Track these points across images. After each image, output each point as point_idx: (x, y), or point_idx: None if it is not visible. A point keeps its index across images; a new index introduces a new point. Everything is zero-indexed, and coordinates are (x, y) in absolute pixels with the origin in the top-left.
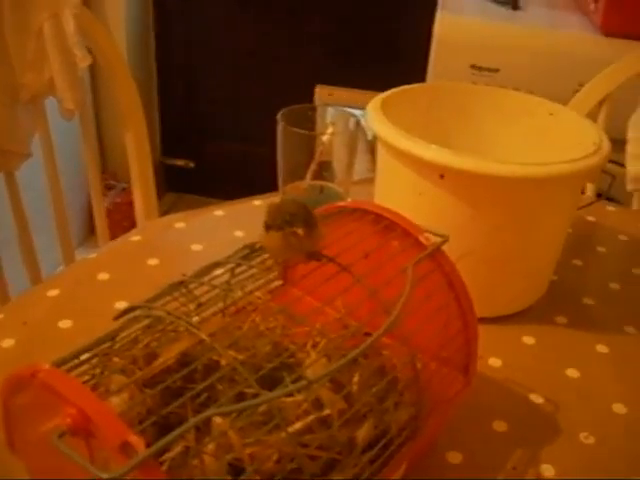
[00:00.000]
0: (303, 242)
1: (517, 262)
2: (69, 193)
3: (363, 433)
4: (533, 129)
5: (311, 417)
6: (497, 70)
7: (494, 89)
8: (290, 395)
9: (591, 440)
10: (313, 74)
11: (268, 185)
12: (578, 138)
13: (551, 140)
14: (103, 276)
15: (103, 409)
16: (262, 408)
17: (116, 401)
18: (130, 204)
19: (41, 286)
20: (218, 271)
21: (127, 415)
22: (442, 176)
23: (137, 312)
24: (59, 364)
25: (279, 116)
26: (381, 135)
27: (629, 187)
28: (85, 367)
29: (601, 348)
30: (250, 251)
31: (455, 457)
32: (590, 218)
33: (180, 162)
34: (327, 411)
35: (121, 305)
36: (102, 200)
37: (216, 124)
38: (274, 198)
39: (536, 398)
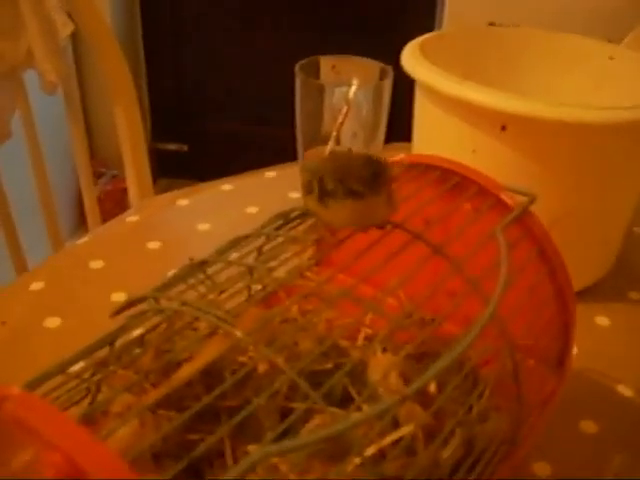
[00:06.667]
0: (381, 211)
1: (591, 227)
2: (55, 180)
3: (450, 452)
4: (590, 75)
5: (393, 436)
6: (517, 27)
7: (542, 32)
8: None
9: None
10: (312, 47)
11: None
12: None
13: (611, 86)
14: (96, 264)
15: (99, 451)
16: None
17: (121, 431)
18: (122, 191)
19: (22, 279)
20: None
21: (136, 448)
22: (504, 128)
23: (143, 305)
24: (34, 385)
25: (297, 68)
26: (425, 80)
27: None
28: (75, 382)
29: None
30: (284, 221)
31: (543, 469)
32: None
33: (172, 146)
34: (410, 429)
35: (119, 298)
36: (93, 183)
37: (209, 104)
38: (295, 166)
39: (625, 390)
